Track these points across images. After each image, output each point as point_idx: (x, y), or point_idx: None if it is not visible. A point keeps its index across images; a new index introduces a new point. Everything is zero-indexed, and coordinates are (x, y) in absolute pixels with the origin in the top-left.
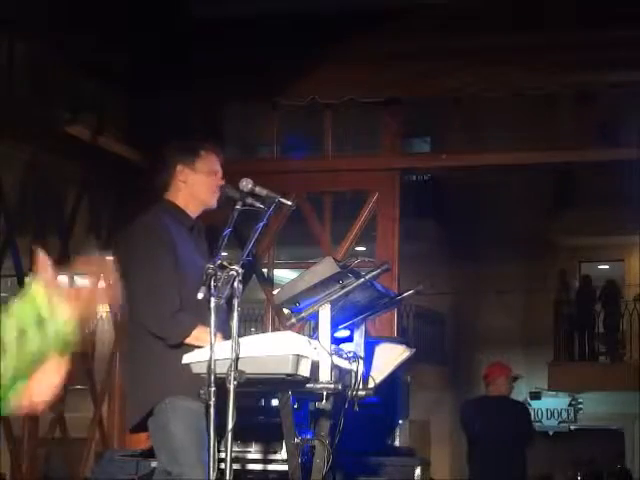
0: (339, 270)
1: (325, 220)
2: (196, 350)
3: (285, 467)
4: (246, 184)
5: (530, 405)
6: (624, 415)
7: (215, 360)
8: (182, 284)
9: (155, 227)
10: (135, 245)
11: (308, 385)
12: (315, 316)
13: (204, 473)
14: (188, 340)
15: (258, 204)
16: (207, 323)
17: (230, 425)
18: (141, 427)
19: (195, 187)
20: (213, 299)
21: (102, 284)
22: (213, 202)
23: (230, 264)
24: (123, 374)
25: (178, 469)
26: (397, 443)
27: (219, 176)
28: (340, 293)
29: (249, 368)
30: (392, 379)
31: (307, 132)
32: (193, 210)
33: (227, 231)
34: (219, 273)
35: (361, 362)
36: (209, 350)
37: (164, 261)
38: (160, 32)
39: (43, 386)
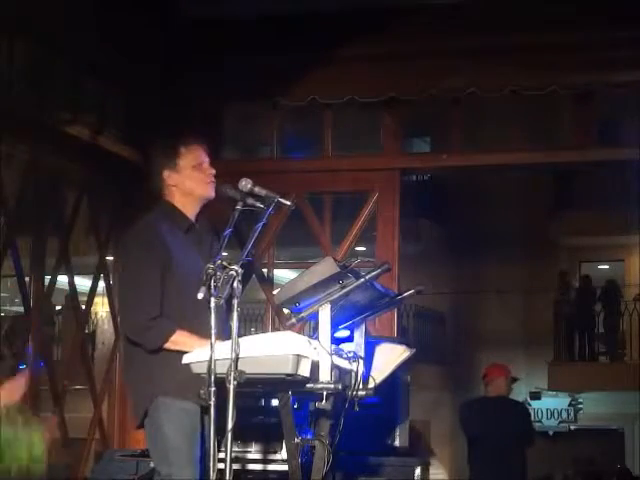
0: (339, 270)
1: (325, 220)
2: (196, 350)
3: (285, 467)
4: (245, 184)
5: (530, 405)
6: (624, 415)
7: (215, 360)
8: (178, 286)
9: (147, 233)
10: (126, 250)
11: (308, 385)
12: (315, 316)
13: (194, 474)
14: (167, 346)
15: (258, 204)
16: (207, 323)
17: (230, 425)
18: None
19: (185, 185)
20: (213, 299)
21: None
22: (209, 193)
23: (230, 264)
24: (123, 375)
25: (167, 469)
26: (397, 443)
27: (206, 166)
28: (340, 293)
29: (249, 368)
30: (392, 379)
31: (307, 132)
32: (191, 209)
33: (227, 231)
34: (219, 273)
35: (361, 362)
36: (209, 350)
37: (149, 269)
38: (160, 32)
39: None
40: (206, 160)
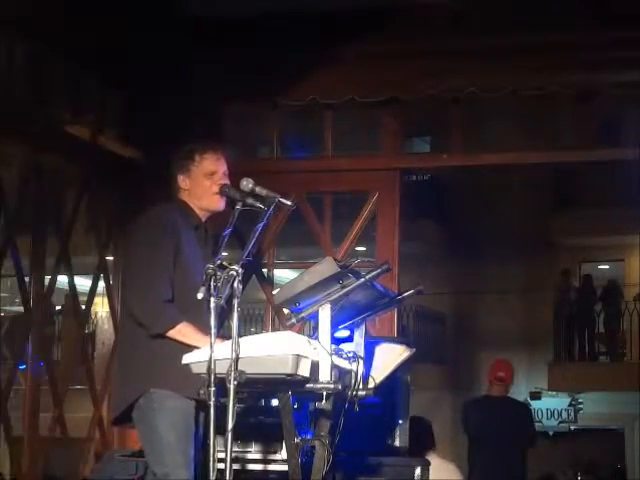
0: (339, 270)
1: (325, 220)
2: (196, 350)
3: (285, 467)
4: (246, 184)
5: (530, 405)
6: (624, 415)
7: (215, 360)
8: (183, 282)
9: (161, 218)
10: (138, 233)
11: (308, 385)
12: (315, 316)
13: (190, 474)
14: (171, 333)
15: (258, 204)
16: (206, 322)
17: (230, 425)
18: (125, 418)
19: (193, 191)
20: (213, 299)
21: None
22: (216, 205)
23: (230, 264)
24: (117, 359)
25: (163, 469)
26: (397, 443)
27: (217, 177)
28: (340, 293)
29: (249, 368)
30: (392, 379)
31: (307, 132)
32: (201, 213)
33: (227, 231)
34: (219, 273)
35: (361, 362)
36: (209, 350)
37: (163, 251)
38: (160, 32)
39: None
40: (221, 170)
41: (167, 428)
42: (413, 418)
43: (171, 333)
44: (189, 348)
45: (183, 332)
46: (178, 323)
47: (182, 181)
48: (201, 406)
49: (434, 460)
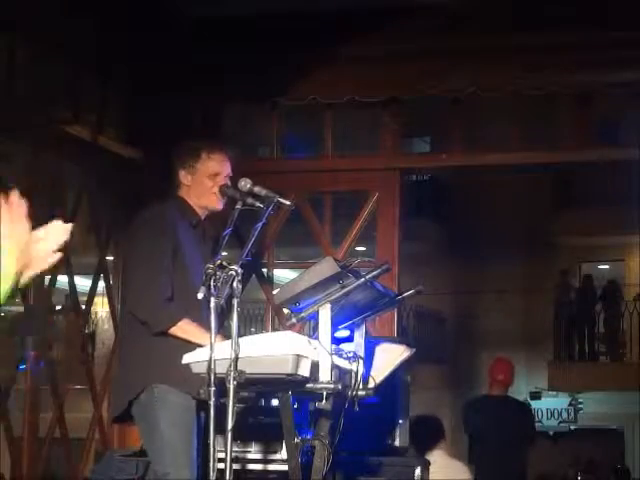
0: (339, 270)
1: (325, 220)
2: (196, 350)
3: (285, 467)
4: (245, 184)
5: (530, 405)
6: (624, 415)
7: (215, 360)
8: (183, 281)
9: (160, 217)
10: (137, 232)
11: (308, 385)
12: (315, 316)
13: (191, 474)
14: (173, 331)
15: (258, 204)
16: (206, 322)
17: (230, 425)
18: (125, 416)
19: (193, 189)
20: (213, 299)
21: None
22: (215, 204)
23: (230, 264)
24: (119, 356)
25: (163, 469)
26: (397, 443)
27: (220, 179)
28: (340, 293)
29: (249, 368)
30: (392, 379)
31: (307, 132)
32: (199, 210)
33: (227, 231)
34: (218, 273)
35: (361, 362)
36: (209, 350)
37: (162, 250)
38: (160, 32)
39: None
40: (225, 172)
41: (169, 426)
42: (422, 417)
43: (173, 330)
44: (190, 347)
45: (185, 329)
46: (179, 320)
47: (184, 177)
48: (201, 406)
49: (443, 458)
